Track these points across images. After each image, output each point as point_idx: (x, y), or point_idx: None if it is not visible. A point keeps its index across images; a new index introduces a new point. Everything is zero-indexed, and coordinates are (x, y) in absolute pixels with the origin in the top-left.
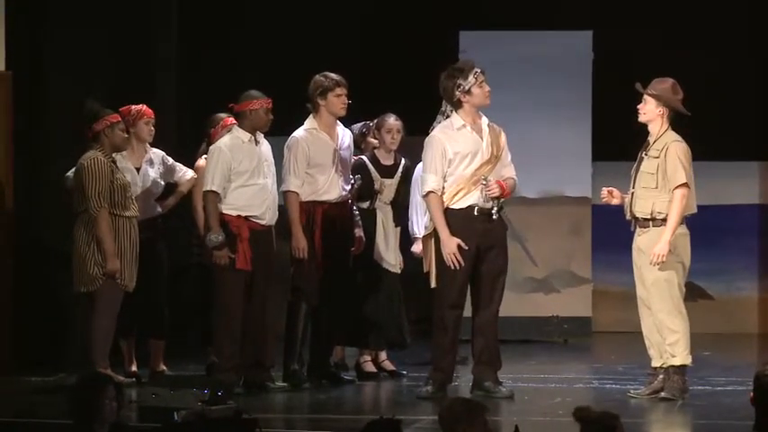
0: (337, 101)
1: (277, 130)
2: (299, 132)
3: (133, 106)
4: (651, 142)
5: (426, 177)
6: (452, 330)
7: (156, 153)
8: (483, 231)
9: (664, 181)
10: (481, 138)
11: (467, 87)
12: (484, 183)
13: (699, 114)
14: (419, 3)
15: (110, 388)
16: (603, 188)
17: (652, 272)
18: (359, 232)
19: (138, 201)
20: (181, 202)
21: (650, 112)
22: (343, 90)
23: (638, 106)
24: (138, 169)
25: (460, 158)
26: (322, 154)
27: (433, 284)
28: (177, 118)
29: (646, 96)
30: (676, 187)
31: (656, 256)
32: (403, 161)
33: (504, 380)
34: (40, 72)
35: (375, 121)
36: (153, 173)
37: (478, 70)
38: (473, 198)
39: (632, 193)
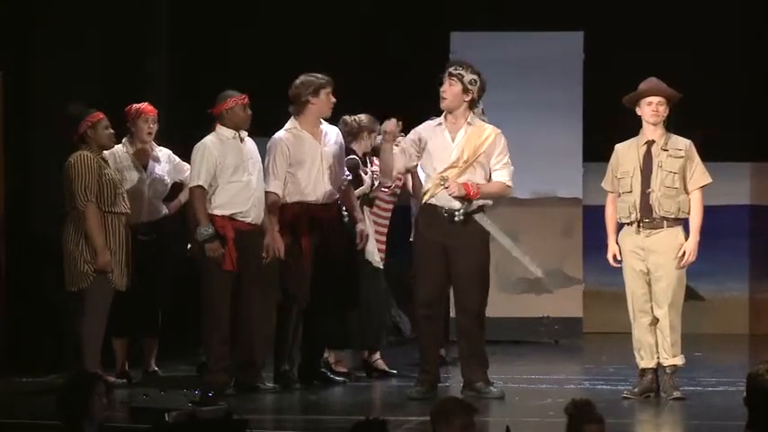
0: (327, 99)
1: (272, 132)
2: (279, 133)
3: (135, 105)
4: (661, 141)
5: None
6: (427, 328)
7: (163, 151)
8: (449, 231)
9: (683, 180)
10: (452, 140)
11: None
12: (441, 182)
13: (689, 115)
14: (410, 4)
15: (99, 386)
16: (611, 256)
17: (671, 272)
18: (360, 226)
19: (144, 201)
20: None
21: (664, 112)
22: (332, 89)
23: (655, 108)
24: (144, 167)
25: (429, 155)
26: (304, 153)
27: None
28: (167, 116)
29: (662, 98)
30: (700, 187)
31: (690, 255)
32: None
33: (494, 380)
34: (31, 73)
35: (354, 117)
36: (159, 171)
37: (450, 68)
38: (440, 199)
39: (649, 193)
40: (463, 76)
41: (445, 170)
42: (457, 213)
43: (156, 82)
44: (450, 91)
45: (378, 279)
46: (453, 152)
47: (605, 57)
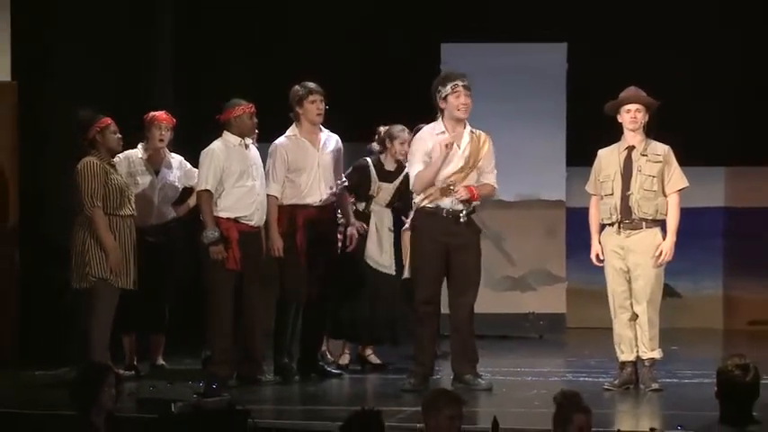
0: (312, 107)
1: (272, 137)
2: (280, 139)
3: (152, 112)
4: (641, 147)
5: (413, 169)
6: (427, 324)
7: (175, 158)
8: (452, 231)
9: (661, 184)
10: (458, 147)
11: (443, 95)
12: (452, 187)
13: (668, 122)
14: (404, 17)
15: (109, 377)
16: (594, 255)
17: (649, 270)
18: (351, 229)
19: (154, 205)
20: None
21: (643, 119)
22: (318, 97)
23: (634, 115)
24: (157, 173)
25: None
26: (302, 159)
27: (406, 274)
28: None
29: (640, 105)
30: (677, 191)
31: (667, 254)
32: (407, 168)
33: (482, 373)
34: (45, 81)
35: (386, 128)
36: (171, 177)
37: (459, 83)
38: (444, 202)
39: (629, 196)
40: (471, 87)
41: (451, 176)
42: (461, 215)
43: (162, 83)
44: (470, 104)
45: (381, 280)
46: (460, 159)
47: (588, 67)
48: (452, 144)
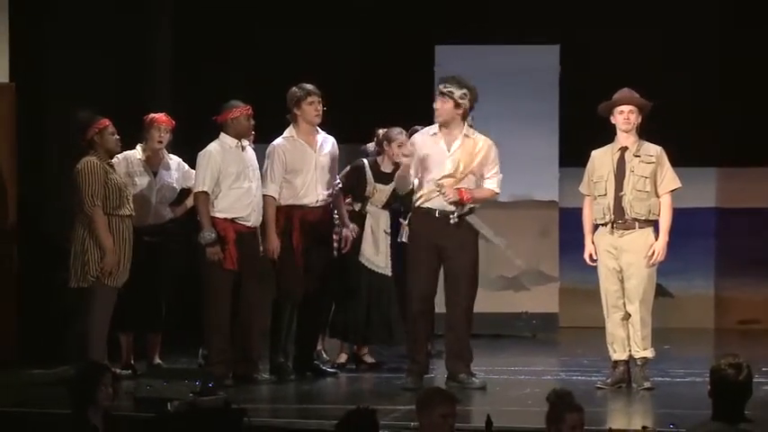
0: (310, 108)
1: (270, 138)
2: (277, 140)
3: (151, 114)
4: (634, 148)
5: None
6: (421, 322)
7: (174, 159)
8: (444, 232)
9: (654, 184)
10: (448, 150)
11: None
12: (438, 189)
13: (661, 124)
14: (401, 19)
15: (106, 376)
16: (588, 255)
17: (642, 269)
18: (346, 232)
19: (151, 206)
20: None
21: (636, 120)
22: (315, 98)
23: (627, 116)
24: (155, 174)
25: (425, 163)
26: (299, 160)
27: None
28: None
29: (633, 107)
30: (670, 191)
31: (659, 254)
32: None
33: (476, 372)
34: (43, 82)
35: (384, 130)
36: (168, 178)
37: (439, 87)
38: (434, 203)
39: (622, 196)
40: (453, 93)
41: (442, 178)
42: (452, 216)
43: (160, 84)
44: (443, 108)
45: (377, 281)
46: (448, 162)
47: (581, 68)
48: (410, 156)
